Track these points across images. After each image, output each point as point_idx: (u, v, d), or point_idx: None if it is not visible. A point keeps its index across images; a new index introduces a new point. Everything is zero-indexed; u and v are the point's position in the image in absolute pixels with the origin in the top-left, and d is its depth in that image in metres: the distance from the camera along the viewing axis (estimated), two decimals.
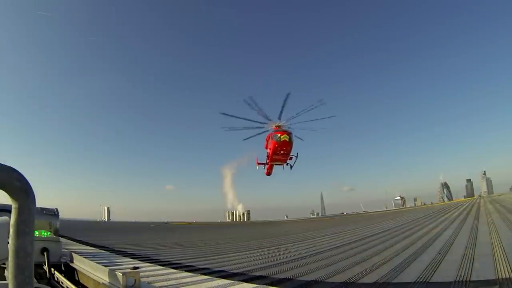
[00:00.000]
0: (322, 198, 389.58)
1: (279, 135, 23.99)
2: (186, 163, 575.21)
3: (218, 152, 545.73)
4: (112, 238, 53.50)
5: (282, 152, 24.68)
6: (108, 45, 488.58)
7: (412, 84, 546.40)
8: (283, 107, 23.88)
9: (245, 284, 10.86)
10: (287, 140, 23.96)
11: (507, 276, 17.81)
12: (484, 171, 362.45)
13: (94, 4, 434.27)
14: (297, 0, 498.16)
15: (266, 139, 26.39)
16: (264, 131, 25.71)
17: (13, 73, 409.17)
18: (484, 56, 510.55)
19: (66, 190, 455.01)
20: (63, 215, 14.05)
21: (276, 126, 24.74)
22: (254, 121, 24.47)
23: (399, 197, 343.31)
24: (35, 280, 4.19)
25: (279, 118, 24.41)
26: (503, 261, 21.52)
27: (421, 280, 18.71)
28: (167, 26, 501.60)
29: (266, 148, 26.66)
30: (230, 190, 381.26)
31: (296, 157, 25.56)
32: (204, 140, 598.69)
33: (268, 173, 28.36)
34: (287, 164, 26.35)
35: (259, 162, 27.95)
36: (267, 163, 27.00)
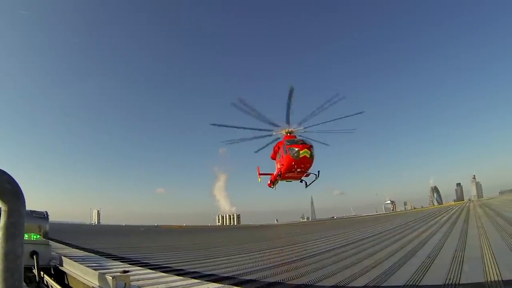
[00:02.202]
0: (312, 202, 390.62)
1: (297, 149, 18.91)
2: (178, 167, 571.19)
3: (209, 155, 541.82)
4: (102, 242, 52.77)
5: (299, 170, 20.10)
6: (95, 46, 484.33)
7: (402, 87, 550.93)
8: (288, 106, 19.60)
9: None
10: (308, 156, 18.98)
11: (496, 279, 18.04)
12: (474, 175, 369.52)
13: (84, 4, 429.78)
14: (297, 1, 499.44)
15: (274, 149, 22.33)
16: (274, 140, 21.51)
17: (4, 75, 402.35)
18: (484, 56, 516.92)
19: (56, 193, 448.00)
20: (52, 218, 13.91)
21: (287, 134, 20.53)
22: (257, 129, 20.40)
23: (389, 201, 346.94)
24: (24, 284, 4.16)
25: (288, 123, 20.40)
26: (492, 264, 21.80)
27: (411, 283, 18.83)
28: (166, 30, 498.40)
29: (273, 159, 22.63)
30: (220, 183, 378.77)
31: (317, 175, 21.15)
32: (196, 143, 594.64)
33: (272, 185, 24.26)
34: (301, 181, 22.18)
35: (261, 173, 24.34)
36: (277, 179, 22.43)
